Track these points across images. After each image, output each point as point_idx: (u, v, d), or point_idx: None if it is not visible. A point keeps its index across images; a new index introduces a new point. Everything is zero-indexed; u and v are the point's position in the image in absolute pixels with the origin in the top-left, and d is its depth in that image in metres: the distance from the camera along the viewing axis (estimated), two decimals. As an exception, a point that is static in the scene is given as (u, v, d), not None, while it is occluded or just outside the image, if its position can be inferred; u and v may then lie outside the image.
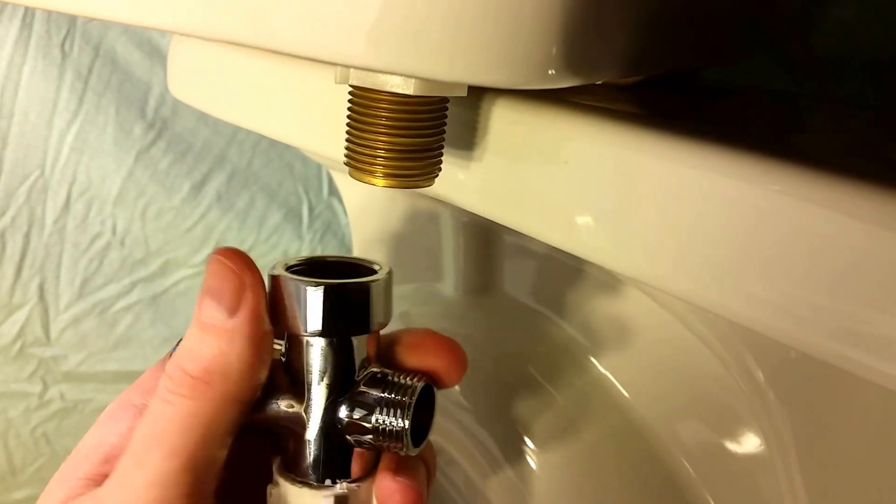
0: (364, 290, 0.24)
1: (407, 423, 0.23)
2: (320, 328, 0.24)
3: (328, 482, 0.24)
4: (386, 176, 0.26)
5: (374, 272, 0.25)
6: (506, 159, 0.29)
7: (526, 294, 0.46)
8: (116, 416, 0.25)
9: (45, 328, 0.69)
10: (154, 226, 0.68)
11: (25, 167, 0.64)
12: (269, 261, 0.75)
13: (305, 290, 0.23)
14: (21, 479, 0.72)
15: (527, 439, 0.38)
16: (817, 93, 0.45)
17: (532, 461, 0.37)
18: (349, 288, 0.24)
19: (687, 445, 0.37)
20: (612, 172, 0.26)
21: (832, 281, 0.21)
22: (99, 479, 0.23)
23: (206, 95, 0.41)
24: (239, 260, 0.23)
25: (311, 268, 0.25)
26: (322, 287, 0.23)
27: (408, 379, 0.24)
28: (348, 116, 0.26)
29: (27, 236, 0.66)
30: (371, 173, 0.26)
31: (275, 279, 0.24)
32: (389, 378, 0.24)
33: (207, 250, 0.70)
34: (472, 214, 0.31)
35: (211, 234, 0.70)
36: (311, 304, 0.23)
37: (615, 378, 0.40)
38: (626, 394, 0.40)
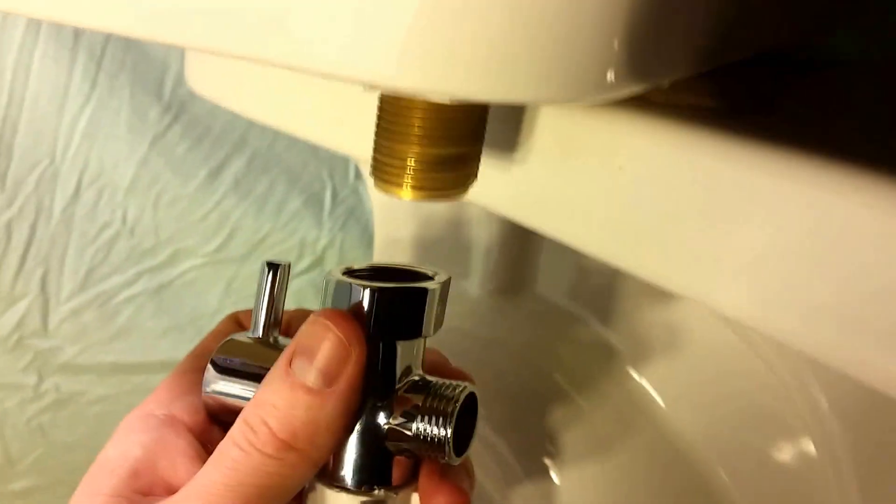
0: (414, 296, 0.24)
1: (449, 431, 0.23)
2: (367, 330, 0.23)
3: (365, 488, 0.24)
4: (415, 189, 0.24)
5: (431, 279, 0.25)
6: (551, 163, 0.26)
7: (561, 295, 0.43)
8: (137, 427, 0.25)
9: (44, 319, 0.67)
10: (166, 214, 0.66)
11: (35, 155, 0.62)
12: (285, 248, 0.72)
13: (355, 291, 0.24)
14: (19, 470, 0.71)
15: (550, 452, 0.36)
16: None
17: (555, 476, 0.35)
18: (398, 292, 0.24)
19: (732, 466, 0.35)
20: (675, 181, 0.23)
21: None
22: (129, 496, 0.23)
23: (227, 90, 0.39)
24: (348, 329, 0.23)
25: (374, 273, 0.26)
26: (370, 289, 0.23)
27: (450, 387, 0.24)
28: (377, 125, 0.24)
29: (33, 227, 0.64)
30: (399, 185, 0.24)
31: (329, 281, 0.24)
32: (432, 385, 0.24)
33: (220, 239, 0.67)
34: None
35: (226, 221, 0.67)
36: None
37: (656, 391, 0.37)
38: (665, 408, 0.37)
